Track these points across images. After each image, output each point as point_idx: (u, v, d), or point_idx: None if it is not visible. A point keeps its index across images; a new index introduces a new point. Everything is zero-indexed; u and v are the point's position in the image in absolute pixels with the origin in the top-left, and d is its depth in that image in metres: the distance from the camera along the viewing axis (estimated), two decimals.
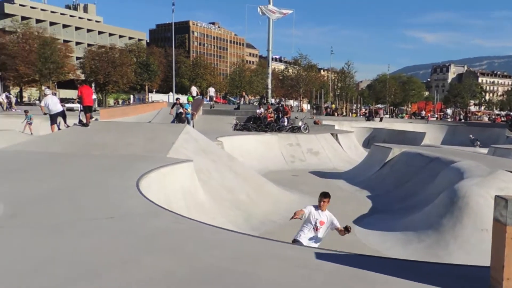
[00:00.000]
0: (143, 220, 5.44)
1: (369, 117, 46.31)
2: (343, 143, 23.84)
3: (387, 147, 17.39)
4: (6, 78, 56.83)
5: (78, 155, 10.40)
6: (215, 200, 10.12)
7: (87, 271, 3.65)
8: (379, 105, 78.35)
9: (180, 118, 20.22)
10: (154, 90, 73.67)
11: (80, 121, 13.95)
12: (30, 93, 72.58)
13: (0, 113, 28.22)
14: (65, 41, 79.20)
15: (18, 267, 3.71)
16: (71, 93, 68.20)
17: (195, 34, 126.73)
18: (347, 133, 26.59)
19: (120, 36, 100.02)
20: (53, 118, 14.19)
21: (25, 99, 66.30)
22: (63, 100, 56.12)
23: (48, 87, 62.12)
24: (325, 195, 6.00)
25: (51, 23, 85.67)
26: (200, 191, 9.86)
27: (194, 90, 35.35)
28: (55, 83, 64.92)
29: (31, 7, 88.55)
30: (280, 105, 28.77)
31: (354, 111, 69.18)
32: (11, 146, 12.27)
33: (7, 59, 55.76)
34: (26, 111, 23.81)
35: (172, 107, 22.54)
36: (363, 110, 68.29)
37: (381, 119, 45.36)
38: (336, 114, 53.32)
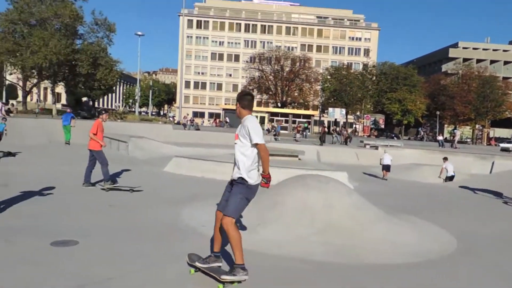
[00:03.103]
0: None
1: None
2: None
3: None
4: (443, 117, 61.75)
5: None
6: None
7: None
8: None
9: None
10: None
11: None
12: (461, 131, 74.68)
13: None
14: (504, 78, 76.25)
15: None
16: (505, 133, 64.55)
17: None
18: None
19: None
20: None
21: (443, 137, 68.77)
22: (497, 140, 54.00)
23: (483, 126, 61.97)
24: None
25: (491, 61, 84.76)
26: None
27: None
28: (489, 122, 63.78)
29: (473, 48, 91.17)
30: None
31: None
32: None
33: (446, 99, 60.44)
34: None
35: None
36: None
37: None
38: None
